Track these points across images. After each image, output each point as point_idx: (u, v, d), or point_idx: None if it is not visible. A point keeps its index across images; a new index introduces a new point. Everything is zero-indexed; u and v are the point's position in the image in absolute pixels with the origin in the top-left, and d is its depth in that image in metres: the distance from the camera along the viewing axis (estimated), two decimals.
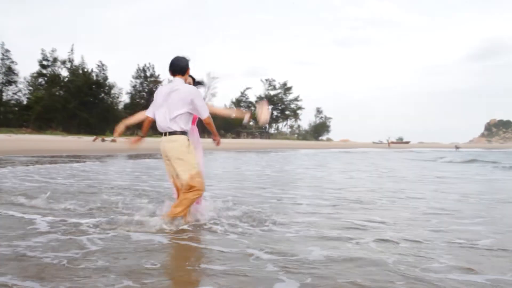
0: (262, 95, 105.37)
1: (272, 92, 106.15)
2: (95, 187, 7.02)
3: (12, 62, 61.88)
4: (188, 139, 4.05)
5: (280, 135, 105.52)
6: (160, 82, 74.58)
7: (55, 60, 64.61)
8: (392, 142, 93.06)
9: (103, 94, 67.52)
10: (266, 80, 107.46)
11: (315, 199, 6.12)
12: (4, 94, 60.99)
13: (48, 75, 63.60)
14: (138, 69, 76.86)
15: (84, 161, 15.00)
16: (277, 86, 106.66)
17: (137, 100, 74.67)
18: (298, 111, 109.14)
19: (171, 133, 3.99)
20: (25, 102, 62.15)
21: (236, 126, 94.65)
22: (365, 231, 3.98)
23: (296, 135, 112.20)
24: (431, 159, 23.31)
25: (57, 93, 62.09)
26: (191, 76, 4.45)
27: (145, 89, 75.75)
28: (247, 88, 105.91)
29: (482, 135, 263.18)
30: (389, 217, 4.71)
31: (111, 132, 52.78)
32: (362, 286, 2.46)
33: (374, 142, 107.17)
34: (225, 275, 2.65)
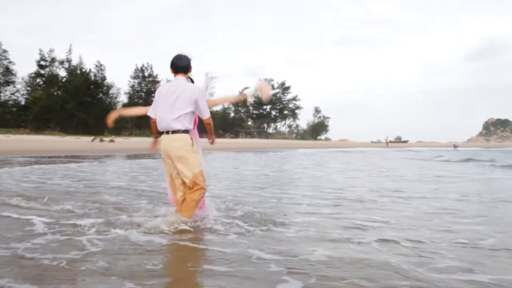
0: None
1: (271, 92, 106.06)
2: (94, 188, 6.98)
3: (10, 62, 61.76)
4: (192, 138, 4.02)
5: (278, 134, 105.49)
6: (158, 82, 74.52)
7: (53, 60, 64.47)
8: (390, 142, 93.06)
9: (101, 94, 67.39)
10: (265, 79, 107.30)
11: (315, 199, 6.09)
12: (2, 94, 60.86)
13: (46, 75, 63.46)
14: (136, 69, 76.81)
15: (83, 162, 14.95)
16: (276, 85, 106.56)
17: (135, 100, 74.56)
18: (297, 111, 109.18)
19: (174, 132, 3.95)
20: (23, 103, 62.01)
21: (235, 126, 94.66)
22: (366, 231, 3.96)
23: (294, 135, 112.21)
24: (429, 158, 23.30)
25: (55, 93, 61.95)
26: (189, 77, 4.42)
27: (143, 89, 75.70)
28: (246, 88, 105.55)
29: (480, 134, 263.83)
30: (390, 216, 4.69)
31: (110, 133, 52.76)
32: (367, 287, 2.44)
33: (372, 142, 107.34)
34: (227, 275, 2.62)
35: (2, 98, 60.68)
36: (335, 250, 3.21)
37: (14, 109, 60.90)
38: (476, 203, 5.90)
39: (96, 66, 68.12)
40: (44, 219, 4.24)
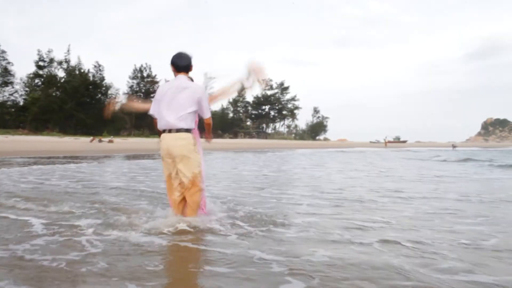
0: (259, 95, 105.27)
1: (269, 92, 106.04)
2: (93, 188, 6.95)
3: (9, 63, 61.72)
4: (194, 138, 4.00)
5: (277, 135, 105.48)
6: (157, 82, 74.48)
7: (51, 60, 64.47)
8: (389, 142, 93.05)
9: (100, 95, 67.39)
10: (263, 80, 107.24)
11: (314, 199, 6.07)
12: (0, 95, 60.77)
13: (44, 76, 63.43)
14: (135, 70, 76.81)
15: (81, 162, 14.92)
16: (274, 86, 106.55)
17: (134, 100, 74.46)
18: (295, 111, 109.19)
19: (178, 131, 3.91)
20: (21, 103, 62.00)
21: (234, 126, 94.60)
22: (367, 231, 3.94)
23: (293, 135, 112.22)
24: (427, 158, 23.30)
25: (53, 94, 61.94)
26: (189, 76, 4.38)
27: (142, 90, 75.65)
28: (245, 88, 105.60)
29: (479, 134, 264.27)
30: (391, 217, 4.67)
31: (108, 133, 52.73)
32: None
33: (371, 142, 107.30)
34: (229, 276, 2.60)
35: (1, 98, 60.69)
36: (337, 251, 3.19)
37: (13, 109, 60.89)
38: (477, 203, 5.89)
39: (95, 66, 68.18)
40: (42, 220, 4.22)
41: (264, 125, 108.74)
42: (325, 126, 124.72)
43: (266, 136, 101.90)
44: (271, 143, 65.27)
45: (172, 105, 3.90)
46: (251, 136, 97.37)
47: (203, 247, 3.31)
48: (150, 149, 29.06)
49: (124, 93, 72.24)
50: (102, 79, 68.21)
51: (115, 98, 4.40)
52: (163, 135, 3.96)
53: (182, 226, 3.85)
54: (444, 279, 2.58)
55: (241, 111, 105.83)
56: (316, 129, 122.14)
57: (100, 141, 39.13)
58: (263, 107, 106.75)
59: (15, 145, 25.94)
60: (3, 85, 60.96)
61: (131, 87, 75.77)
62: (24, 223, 4.10)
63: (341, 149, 48.36)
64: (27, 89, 63.73)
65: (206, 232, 3.77)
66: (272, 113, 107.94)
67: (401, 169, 13.93)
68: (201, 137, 4.34)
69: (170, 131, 3.92)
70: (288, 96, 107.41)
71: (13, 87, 62.60)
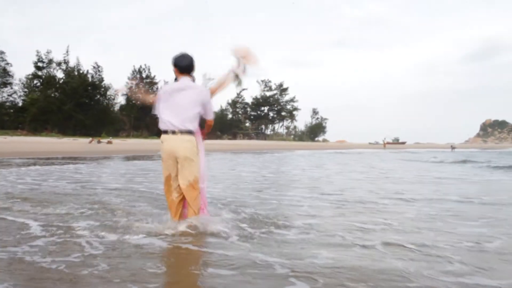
0: (258, 96, 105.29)
1: (268, 93, 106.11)
2: (92, 190, 6.91)
3: (7, 63, 61.66)
4: (196, 140, 3.97)
5: (276, 136, 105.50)
6: (156, 83, 74.43)
7: (50, 61, 64.46)
8: (388, 143, 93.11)
9: (98, 96, 67.40)
10: (262, 81, 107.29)
11: (315, 201, 6.04)
12: None
13: (43, 76, 63.38)
14: (134, 71, 76.76)
15: (80, 163, 14.87)
16: (273, 87, 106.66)
17: (133, 101, 74.43)
18: (294, 112, 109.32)
19: (183, 132, 3.87)
20: (20, 104, 61.94)
21: (233, 128, 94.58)
22: (370, 233, 3.91)
23: (292, 136, 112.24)
24: (426, 160, 23.27)
25: (52, 95, 61.88)
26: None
27: (141, 90, 75.53)
28: (243, 89, 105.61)
29: (478, 135, 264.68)
30: (393, 219, 4.64)
31: (107, 134, 52.68)
32: None
33: (370, 143, 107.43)
34: (232, 278, 2.58)
35: (0, 99, 60.49)
36: (340, 253, 3.17)
37: (12, 110, 60.82)
38: (478, 205, 5.86)
39: (94, 67, 68.15)
40: (41, 221, 4.18)
41: (263, 126, 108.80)
42: (324, 127, 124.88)
43: (265, 137, 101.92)
44: (270, 144, 65.29)
45: (177, 107, 3.87)
46: (250, 137, 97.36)
47: (204, 249, 3.28)
48: (149, 150, 29.01)
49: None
50: (101, 80, 68.22)
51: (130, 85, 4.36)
52: (166, 136, 3.90)
53: (183, 227, 3.81)
54: (448, 282, 2.55)
55: (240, 112, 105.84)
56: (315, 130, 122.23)
57: (99, 142, 39.09)
58: (262, 108, 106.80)
59: (13, 146, 25.89)
60: (2, 86, 60.92)
61: (130, 88, 75.64)
62: (23, 224, 4.05)
63: (339, 151, 48.34)
64: (26, 90, 63.68)
65: (207, 234, 3.73)
66: (271, 114, 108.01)
67: (400, 170, 13.92)
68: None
69: (174, 132, 3.87)
70: (287, 97, 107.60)
71: (12, 88, 62.61)
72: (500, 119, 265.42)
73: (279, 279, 2.58)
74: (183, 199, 4.03)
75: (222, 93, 4.38)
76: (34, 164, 13.42)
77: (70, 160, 17.03)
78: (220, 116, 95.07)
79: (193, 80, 4.10)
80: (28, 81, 63.93)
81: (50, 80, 62.75)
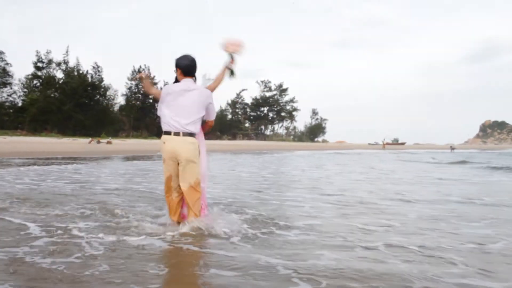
0: (258, 97, 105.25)
1: (268, 94, 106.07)
2: (92, 190, 6.89)
3: (7, 63, 61.59)
4: (198, 142, 3.96)
5: (275, 136, 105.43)
6: (156, 83, 74.37)
7: (50, 61, 64.37)
8: (387, 144, 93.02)
9: (98, 96, 67.31)
10: (262, 81, 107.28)
11: (316, 202, 6.03)
12: None
13: (43, 77, 63.32)
14: (134, 71, 76.61)
15: (80, 163, 14.85)
16: (273, 87, 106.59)
17: (133, 102, 74.47)
18: (294, 113, 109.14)
19: (186, 134, 3.85)
20: (20, 104, 61.82)
21: (232, 128, 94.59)
22: (372, 234, 3.89)
23: (291, 137, 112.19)
24: (426, 161, 23.26)
25: (52, 95, 61.78)
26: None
27: (141, 91, 75.51)
28: (243, 90, 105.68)
29: (477, 136, 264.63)
30: (395, 220, 4.63)
31: (107, 134, 52.65)
32: None
33: (369, 144, 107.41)
34: (234, 279, 2.56)
35: None
36: (343, 254, 3.15)
37: (11, 110, 60.72)
38: (480, 206, 5.85)
39: (93, 67, 68.06)
40: (41, 222, 4.15)
41: (262, 127, 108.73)
42: (324, 128, 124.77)
43: (264, 137, 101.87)
44: (269, 145, 65.26)
45: (181, 108, 3.85)
46: (249, 138, 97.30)
47: (206, 250, 3.26)
48: (149, 150, 28.99)
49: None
50: (101, 80, 68.12)
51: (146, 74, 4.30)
52: (168, 136, 3.87)
53: (184, 228, 3.79)
54: (452, 284, 2.53)
55: (239, 112, 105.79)
56: (315, 131, 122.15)
57: (98, 142, 39.01)
58: (262, 108, 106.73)
59: (13, 146, 25.85)
60: (1, 86, 60.82)
61: (129, 88, 75.60)
62: (22, 225, 4.02)
63: (339, 151, 48.32)
64: (25, 90, 63.57)
65: (209, 235, 3.71)
66: (270, 114, 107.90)
67: (400, 171, 13.90)
68: None
69: (177, 134, 3.85)
70: (286, 98, 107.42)
71: (11, 88, 62.47)
72: (499, 120, 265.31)
73: (282, 280, 2.56)
74: (182, 199, 4.02)
75: (218, 90, 4.38)
76: (34, 164, 13.38)
77: (70, 160, 17.00)
78: (220, 116, 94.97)
79: (195, 81, 4.09)
80: (28, 81, 63.82)
81: (49, 80, 62.66)
